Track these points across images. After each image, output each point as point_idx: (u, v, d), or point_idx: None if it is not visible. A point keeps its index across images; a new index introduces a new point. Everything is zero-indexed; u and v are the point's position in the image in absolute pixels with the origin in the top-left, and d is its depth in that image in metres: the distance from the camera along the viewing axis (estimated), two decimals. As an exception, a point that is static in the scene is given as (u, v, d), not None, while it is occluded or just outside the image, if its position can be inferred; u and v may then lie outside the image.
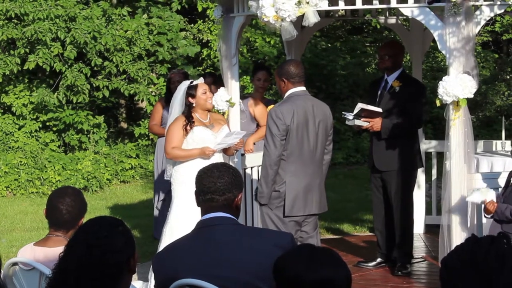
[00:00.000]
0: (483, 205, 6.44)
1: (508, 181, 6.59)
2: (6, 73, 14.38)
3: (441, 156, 8.41)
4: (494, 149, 9.54)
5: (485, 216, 6.54)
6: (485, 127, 17.10)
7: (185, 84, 7.29)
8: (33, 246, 4.66)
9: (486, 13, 6.68)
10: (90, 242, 3.05)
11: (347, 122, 7.83)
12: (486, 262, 2.54)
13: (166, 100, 9.11)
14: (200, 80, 7.27)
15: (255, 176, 8.06)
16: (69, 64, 14.34)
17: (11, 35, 14.15)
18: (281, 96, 6.79)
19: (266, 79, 8.83)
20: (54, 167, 13.82)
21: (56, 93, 14.51)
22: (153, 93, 15.26)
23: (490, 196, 6.39)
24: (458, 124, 6.58)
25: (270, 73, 9.04)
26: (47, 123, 14.96)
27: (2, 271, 3.47)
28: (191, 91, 7.16)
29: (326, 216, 9.84)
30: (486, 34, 18.58)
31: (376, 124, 7.61)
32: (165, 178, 7.52)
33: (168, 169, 7.45)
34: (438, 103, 6.67)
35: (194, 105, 7.17)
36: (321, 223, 9.83)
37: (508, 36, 18.54)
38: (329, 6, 6.90)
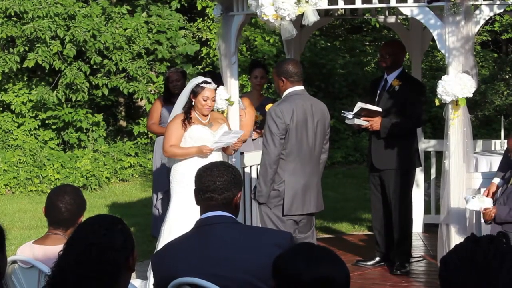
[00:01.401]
0: (481, 212, 6.45)
1: (508, 179, 6.61)
2: (6, 71, 14.38)
3: (440, 155, 8.42)
4: (493, 148, 9.54)
5: (485, 223, 6.55)
6: (484, 127, 17.11)
7: (197, 80, 7.24)
8: (32, 244, 4.66)
9: (485, 13, 6.69)
10: (89, 240, 3.05)
11: (346, 121, 7.84)
12: (486, 261, 2.55)
13: (165, 99, 9.11)
14: (212, 86, 7.17)
15: (254, 175, 8.06)
16: (68, 62, 14.34)
17: (10, 33, 14.15)
18: (279, 95, 6.79)
19: (263, 76, 8.82)
20: (53, 165, 13.82)
21: (55, 91, 14.51)
22: (152, 92, 15.26)
23: (487, 203, 6.42)
24: (457, 124, 6.59)
25: (266, 70, 9.03)
26: (46, 121, 14.96)
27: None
28: (196, 90, 7.14)
29: (325, 215, 9.85)
30: (485, 34, 18.59)
31: (375, 123, 7.62)
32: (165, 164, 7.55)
33: (164, 162, 7.50)
34: (437, 103, 6.68)
35: (193, 103, 7.18)
36: (320, 222, 9.84)
37: (507, 36, 18.55)
38: (328, 5, 6.91)
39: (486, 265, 2.55)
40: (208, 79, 7.22)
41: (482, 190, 6.98)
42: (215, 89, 7.24)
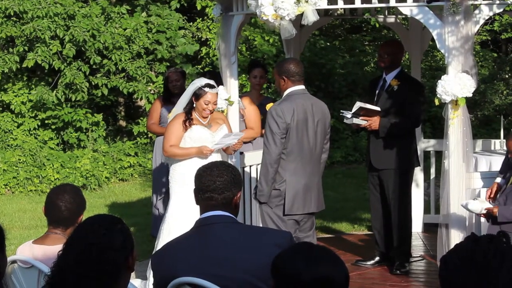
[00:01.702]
0: (485, 211, 6.45)
1: (508, 179, 6.62)
2: (5, 71, 14.38)
3: (439, 155, 8.42)
4: (492, 148, 9.55)
5: (487, 221, 6.56)
6: (484, 126, 17.11)
7: (200, 82, 7.21)
8: (31, 244, 4.65)
9: (485, 12, 6.69)
10: (89, 240, 3.05)
11: (345, 121, 7.84)
12: (486, 260, 2.55)
13: (164, 99, 9.11)
14: (214, 90, 7.14)
15: (254, 175, 8.06)
16: (68, 62, 14.34)
17: (10, 33, 14.15)
18: (280, 94, 6.79)
19: (262, 76, 8.81)
20: (53, 165, 13.82)
21: (55, 91, 14.51)
22: (152, 91, 15.26)
23: (487, 205, 6.44)
24: (457, 123, 6.59)
25: (266, 70, 9.02)
26: (46, 121, 14.96)
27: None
28: (198, 92, 7.11)
29: (324, 215, 9.85)
30: (485, 33, 18.60)
31: (374, 123, 7.63)
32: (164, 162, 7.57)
33: (163, 162, 7.50)
34: (437, 102, 6.69)
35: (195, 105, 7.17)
36: (319, 222, 9.84)
37: (507, 35, 18.55)
38: (328, 5, 6.91)
39: (486, 265, 2.55)
40: (211, 82, 7.19)
41: (482, 190, 6.99)
42: (217, 93, 7.22)
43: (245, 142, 8.32)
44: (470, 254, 2.58)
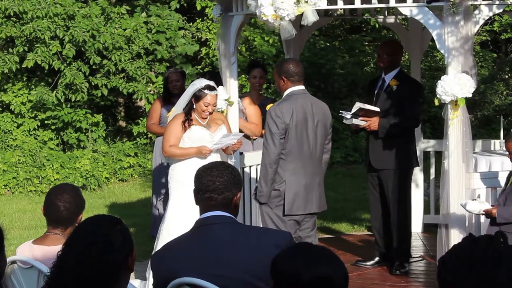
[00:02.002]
0: (483, 212, 6.45)
1: (507, 180, 6.61)
2: (5, 71, 14.38)
3: (439, 155, 8.42)
4: (492, 148, 9.54)
5: (486, 217, 6.56)
6: (484, 127, 17.11)
7: (200, 83, 7.21)
8: (31, 244, 4.66)
9: (484, 13, 6.69)
10: (88, 240, 3.05)
11: (344, 121, 7.85)
12: (484, 261, 2.55)
13: (164, 99, 9.11)
14: (214, 92, 7.14)
15: (253, 175, 8.06)
16: (67, 62, 14.34)
17: (10, 33, 14.15)
18: (280, 95, 6.80)
19: (262, 76, 8.82)
20: (53, 166, 13.82)
21: (54, 92, 14.51)
22: (152, 92, 15.26)
23: (487, 205, 6.44)
24: (457, 124, 6.59)
25: (265, 70, 9.03)
26: (46, 122, 14.96)
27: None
28: (198, 94, 7.11)
29: (324, 215, 9.85)
30: (484, 34, 18.60)
31: (373, 123, 7.63)
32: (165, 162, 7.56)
33: (163, 162, 7.50)
34: (436, 103, 6.69)
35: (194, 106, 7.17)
36: (319, 222, 9.84)
37: (506, 36, 18.56)
38: (328, 5, 6.91)
39: (484, 265, 2.55)
40: (211, 83, 7.19)
41: (483, 190, 6.98)
42: (217, 95, 7.22)
43: (247, 137, 8.36)
44: (469, 254, 2.58)
